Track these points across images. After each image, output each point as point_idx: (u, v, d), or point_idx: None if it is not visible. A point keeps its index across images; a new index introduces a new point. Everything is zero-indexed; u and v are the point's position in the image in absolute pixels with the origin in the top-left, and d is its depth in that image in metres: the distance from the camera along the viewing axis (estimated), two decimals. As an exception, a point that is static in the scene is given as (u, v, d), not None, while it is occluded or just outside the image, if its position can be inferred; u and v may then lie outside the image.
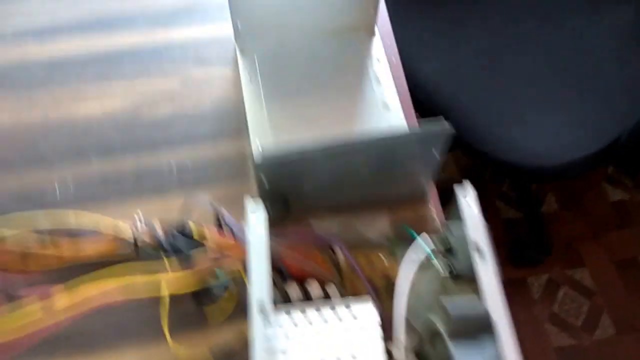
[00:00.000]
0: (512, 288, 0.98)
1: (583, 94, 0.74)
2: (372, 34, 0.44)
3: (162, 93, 0.41)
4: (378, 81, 0.42)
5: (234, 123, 0.40)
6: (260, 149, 0.29)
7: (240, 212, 0.36)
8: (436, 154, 0.32)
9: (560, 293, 0.99)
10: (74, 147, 0.38)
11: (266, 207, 0.34)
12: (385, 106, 0.41)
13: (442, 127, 0.29)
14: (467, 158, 1.03)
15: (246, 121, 0.39)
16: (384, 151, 0.32)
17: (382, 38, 0.44)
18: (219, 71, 0.42)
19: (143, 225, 0.33)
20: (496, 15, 0.81)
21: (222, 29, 0.44)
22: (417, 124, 0.41)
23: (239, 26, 0.41)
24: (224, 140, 0.39)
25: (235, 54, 0.43)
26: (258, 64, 0.42)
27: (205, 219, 0.32)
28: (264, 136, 0.38)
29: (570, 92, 0.74)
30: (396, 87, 0.42)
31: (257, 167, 0.30)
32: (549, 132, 0.72)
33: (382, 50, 0.44)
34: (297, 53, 0.43)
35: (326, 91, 0.41)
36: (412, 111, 0.41)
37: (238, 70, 0.42)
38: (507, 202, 1.06)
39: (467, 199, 0.28)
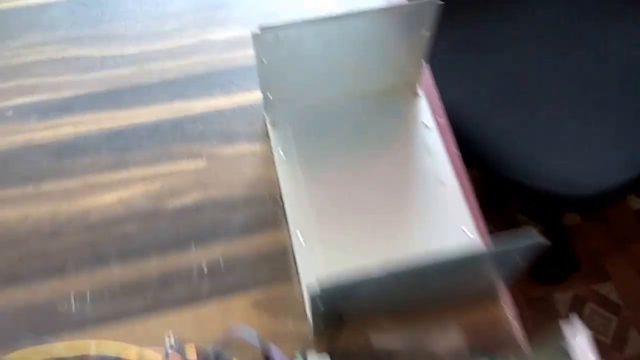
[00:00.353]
0: (538, 306, 0.94)
1: (619, 114, 0.69)
2: (415, 94, 0.39)
3: (186, 177, 0.36)
4: (428, 151, 0.37)
5: (270, 209, 0.35)
6: (314, 281, 0.24)
7: (283, 323, 0.32)
8: (520, 263, 0.27)
9: (587, 310, 0.95)
10: (89, 248, 0.34)
11: (319, 324, 0.30)
12: (440, 182, 0.36)
13: (532, 240, 0.25)
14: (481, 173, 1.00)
15: (283, 207, 0.35)
16: (456, 268, 0.27)
17: (426, 97, 0.39)
18: (248, 147, 0.37)
19: (174, 350, 0.29)
20: (523, 32, 0.76)
21: (249, 96, 0.39)
22: (474, 200, 0.36)
23: (270, 96, 0.37)
24: (259, 231, 0.34)
25: (266, 126, 0.38)
26: (293, 137, 0.37)
27: (249, 354, 0.27)
28: (306, 227, 0.34)
29: (605, 112, 0.69)
30: (447, 153, 0.37)
31: (313, 298, 0.25)
32: (583, 156, 0.67)
33: (429, 112, 0.39)
34: (335, 122, 0.38)
35: (371, 166, 0.36)
36: (469, 185, 0.36)
37: (270, 145, 0.37)
38: (528, 215, 1.02)
39: (579, 339, 0.23)
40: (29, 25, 0.42)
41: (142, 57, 0.41)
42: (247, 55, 0.41)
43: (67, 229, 0.34)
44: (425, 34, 0.34)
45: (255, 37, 0.31)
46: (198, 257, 0.33)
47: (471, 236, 0.34)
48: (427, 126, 0.38)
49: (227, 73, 0.40)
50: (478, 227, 0.34)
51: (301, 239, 0.33)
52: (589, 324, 0.93)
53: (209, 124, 0.38)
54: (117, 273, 0.33)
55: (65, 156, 0.37)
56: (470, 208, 0.35)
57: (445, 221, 0.34)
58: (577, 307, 0.95)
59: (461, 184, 0.36)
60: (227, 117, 0.38)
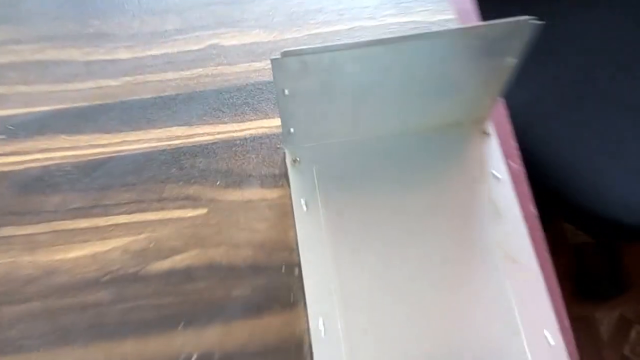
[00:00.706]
0: (577, 325, 0.86)
1: None
2: (484, 133, 0.30)
3: (180, 228, 0.28)
4: (496, 211, 0.28)
5: (284, 283, 0.27)
6: None
7: None
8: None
9: (633, 333, 0.87)
10: (50, 319, 0.26)
11: None
12: (511, 258, 0.27)
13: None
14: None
15: (302, 281, 0.26)
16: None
17: (498, 137, 0.30)
18: (261, 192, 0.29)
19: None
20: (595, 30, 0.65)
21: (266, 123, 0.31)
22: (557, 286, 0.27)
23: (292, 130, 0.28)
24: (268, 312, 0.26)
25: (285, 165, 0.29)
26: (319, 183, 0.29)
27: None
28: (329, 313, 0.25)
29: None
30: (522, 214, 0.28)
31: None
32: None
33: (501, 157, 0.29)
34: (374, 166, 0.29)
35: (418, 229, 0.28)
36: (550, 261, 0.27)
37: (288, 191, 0.29)
38: (575, 225, 0.92)
39: None
40: (0, 17, 0.34)
41: (135, 64, 0.32)
42: (267, 68, 0.32)
43: (25, 291, 0.27)
44: (511, 61, 0.25)
45: (275, 63, 0.22)
46: (187, 343, 0.26)
47: (553, 343, 0.25)
48: (496, 177, 0.29)
49: (241, 91, 0.31)
50: (562, 328, 0.26)
51: (322, 328, 0.25)
52: (635, 348, 0.86)
53: (213, 159, 0.30)
54: (82, 357, 0.26)
55: (32, 191, 0.29)
56: (553, 300, 0.26)
57: (516, 318, 0.25)
58: (621, 330, 0.87)
59: (540, 261, 0.27)
60: (236, 150, 0.30)
